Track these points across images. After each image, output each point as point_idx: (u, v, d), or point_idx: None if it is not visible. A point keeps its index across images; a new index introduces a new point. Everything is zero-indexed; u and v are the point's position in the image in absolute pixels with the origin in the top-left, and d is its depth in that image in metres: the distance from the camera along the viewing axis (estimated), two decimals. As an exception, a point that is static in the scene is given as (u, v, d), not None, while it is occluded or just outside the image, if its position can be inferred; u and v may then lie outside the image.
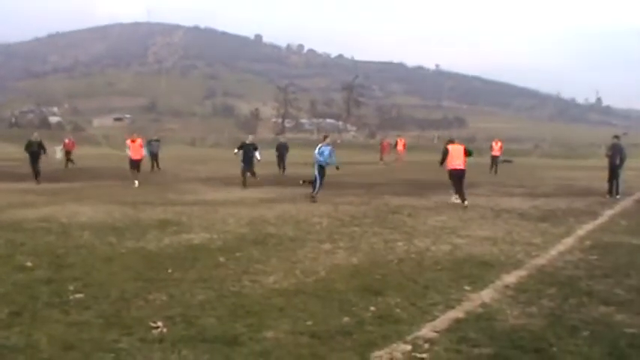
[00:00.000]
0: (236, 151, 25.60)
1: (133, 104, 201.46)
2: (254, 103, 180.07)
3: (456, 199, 18.93)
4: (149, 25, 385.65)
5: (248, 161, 25.03)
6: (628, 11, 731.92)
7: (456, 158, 18.96)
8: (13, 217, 15.06)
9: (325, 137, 21.56)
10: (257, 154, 24.91)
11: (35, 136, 28.14)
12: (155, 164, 35.66)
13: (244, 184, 24.31)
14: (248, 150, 25.19)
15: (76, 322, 6.65)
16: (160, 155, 36.26)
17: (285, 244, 11.83)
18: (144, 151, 27.70)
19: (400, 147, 48.98)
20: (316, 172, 20.25)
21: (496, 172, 35.74)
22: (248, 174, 24.79)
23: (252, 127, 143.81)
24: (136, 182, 25.11)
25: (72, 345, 5.88)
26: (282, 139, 34.15)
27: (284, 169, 33.55)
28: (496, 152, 37.77)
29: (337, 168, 21.36)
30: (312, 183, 20.33)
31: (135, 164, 26.19)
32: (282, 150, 34.53)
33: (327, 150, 20.37)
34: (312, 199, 19.54)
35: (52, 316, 6.83)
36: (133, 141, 26.67)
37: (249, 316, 6.98)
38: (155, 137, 38.10)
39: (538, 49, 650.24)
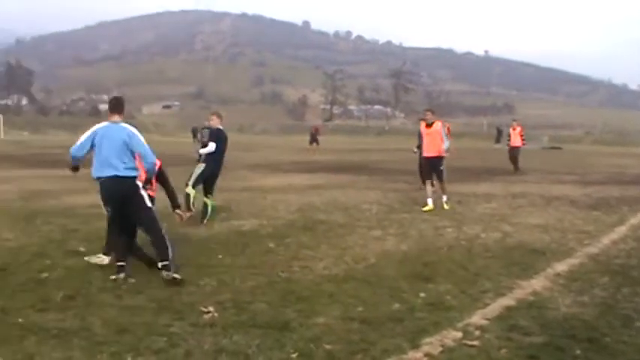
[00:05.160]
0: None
1: (181, 92, 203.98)
2: (302, 90, 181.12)
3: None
4: (197, 12, 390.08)
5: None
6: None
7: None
8: (66, 203, 15.35)
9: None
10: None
11: None
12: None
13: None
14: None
15: (129, 306, 6.73)
16: None
17: (334, 230, 11.80)
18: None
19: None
20: None
21: (517, 168, 26.38)
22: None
23: (300, 114, 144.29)
24: None
25: (125, 328, 5.94)
26: None
27: None
28: (515, 142, 27.02)
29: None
30: None
31: None
32: None
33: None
34: None
35: (105, 300, 6.93)
36: None
37: (300, 301, 6.96)
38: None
39: (588, 35, 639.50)
